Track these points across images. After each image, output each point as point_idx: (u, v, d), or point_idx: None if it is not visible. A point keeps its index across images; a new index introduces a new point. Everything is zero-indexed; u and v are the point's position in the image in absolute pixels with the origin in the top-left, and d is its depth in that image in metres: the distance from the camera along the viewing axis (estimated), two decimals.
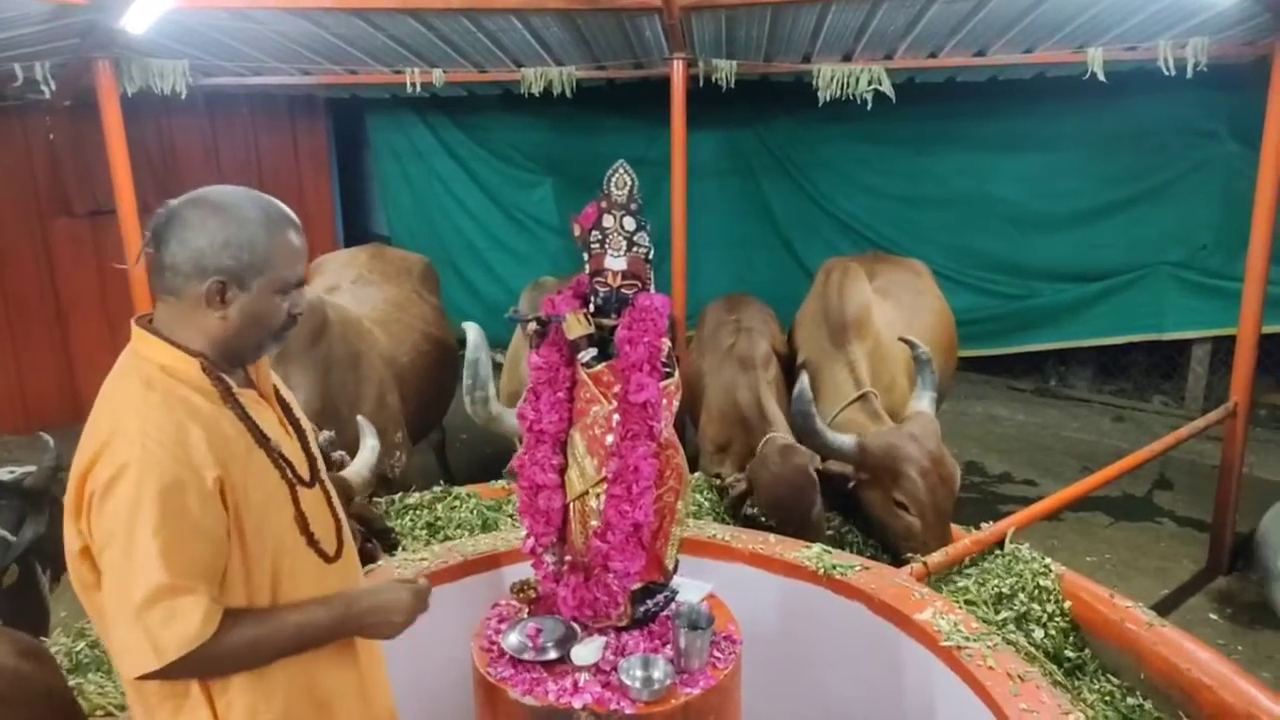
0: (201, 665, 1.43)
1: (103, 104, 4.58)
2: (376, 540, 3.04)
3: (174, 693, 1.47)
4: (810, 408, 3.38)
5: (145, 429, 1.39)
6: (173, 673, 1.41)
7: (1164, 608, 4.37)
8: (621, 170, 1.92)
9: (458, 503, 3.63)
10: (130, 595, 1.37)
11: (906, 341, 3.82)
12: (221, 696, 1.49)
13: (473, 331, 3.18)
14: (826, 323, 4.07)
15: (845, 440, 3.42)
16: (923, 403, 3.61)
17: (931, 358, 3.73)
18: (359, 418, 3.32)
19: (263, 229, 1.50)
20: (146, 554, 1.36)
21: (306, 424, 1.72)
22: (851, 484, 3.52)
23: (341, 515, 1.70)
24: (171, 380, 1.46)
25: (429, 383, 4.55)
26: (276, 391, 1.66)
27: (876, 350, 4.06)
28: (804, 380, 3.45)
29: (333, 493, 1.69)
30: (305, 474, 1.60)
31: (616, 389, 1.92)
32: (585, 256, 1.97)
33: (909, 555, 3.29)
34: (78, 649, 2.74)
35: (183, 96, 5.07)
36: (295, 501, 1.54)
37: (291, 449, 1.60)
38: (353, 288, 4.61)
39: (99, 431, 1.42)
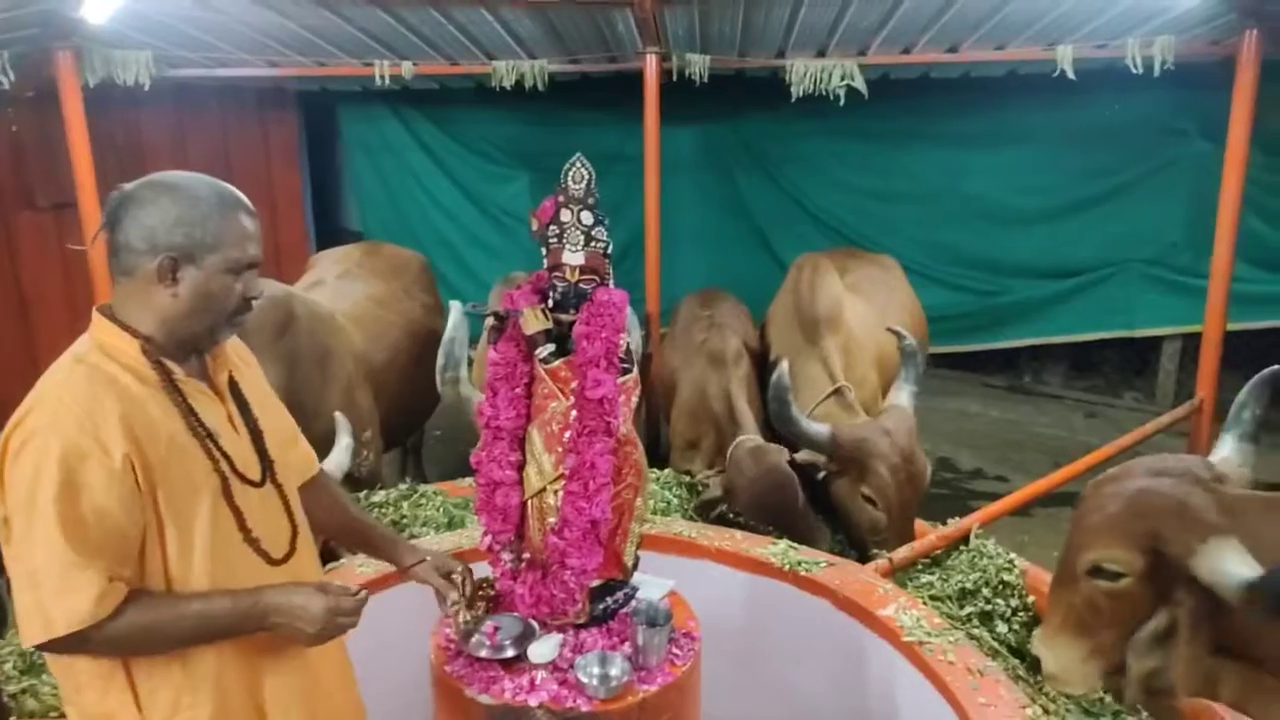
0: (94, 644, 1.41)
1: (64, 95, 4.51)
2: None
3: (101, 674, 1.46)
4: (787, 395, 3.38)
5: (60, 398, 1.41)
6: (63, 648, 1.40)
7: None
8: (579, 164, 1.90)
9: (424, 500, 3.60)
10: (29, 563, 1.38)
11: (894, 332, 3.82)
12: (145, 684, 1.47)
13: (454, 311, 3.13)
14: (799, 319, 4.07)
15: (819, 429, 3.42)
16: (901, 396, 3.60)
17: (917, 350, 3.73)
18: (336, 414, 3.28)
19: (215, 208, 1.51)
20: (46, 523, 1.36)
21: (278, 424, 1.71)
22: (821, 474, 3.51)
23: (300, 520, 1.67)
24: (104, 356, 1.48)
25: (409, 381, 4.48)
26: (236, 388, 1.64)
27: (849, 345, 4.06)
28: (783, 367, 3.43)
29: (292, 497, 1.67)
30: (253, 473, 1.58)
31: (574, 385, 1.91)
32: (543, 251, 1.95)
33: (875, 551, 3.30)
34: (30, 650, 2.69)
35: (146, 88, 4.99)
36: (228, 497, 1.52)
37: (237, 446, 1.57)
38: (336, 283, 4.54)
39: (24, 403, 1.44)
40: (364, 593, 1.62)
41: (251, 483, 1.56)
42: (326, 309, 4.06)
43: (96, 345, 1.49)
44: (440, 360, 3.09)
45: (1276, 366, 2.26)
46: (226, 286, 1.52)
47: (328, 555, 2.90)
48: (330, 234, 7.95)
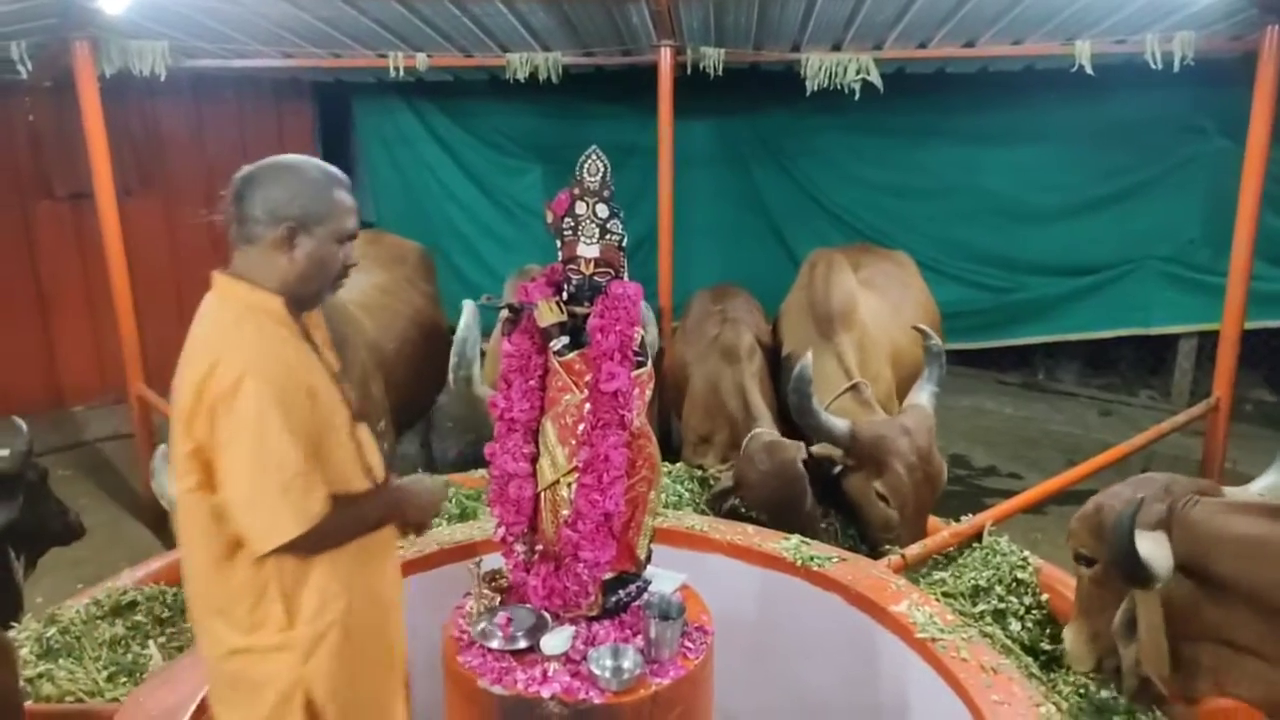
0: (314, 539, 1.68)
1: (80, 85, 4.53)
2: None
3: (255, 588, 1.70)
4: (809, 388, 3.37)
5: (249, 348, 1.66)
6: (299, 543, 1.66)
7: None
8: (594, 157, 1.90)
9: None
10: (274, 477, 1.63)
11: (920, 331, 3.81)
12: (292, 592, 1.72)
13: (466, 310, 3.14)
14: (813, 314, 4.05)
15: (840, 424, 3.41)
16: (922, 396, 3.58)
17: (942, 351, 3.71)
18: None
19: (325, 186, 1.77)
20: (280, 444, 1.63)
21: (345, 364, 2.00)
22: (837, 469, 3.51)
23: (382, 453, 1.94)
24: (260, 315, 1.72)
25: (416, 371, 4.51)
26: (312, 340, 1.87)
27: (863, 341, 4.04)
28: (806, 360, 3.43)
29: (370, 436, 1.92)
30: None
31: (588, 377, 1.90)
32: (558, 244, 1.95)
33: (887, 547, 3.29)
34: (49, 634, 2.72)
35: (163, 78, 5.01)
36: (352, 431, 1.81)
37: (326, 388, 1.80)
38: None
39: (205, 353, 1.66)
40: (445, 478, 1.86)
41: (356, 420, 1.84)
42: (340, 298, 4.07)
43: (246, 307, 1.72)
44: (453, 359, 3.10)
45: None
46: (333, 254, 1.77)
47: None
48: None
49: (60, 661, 2.63)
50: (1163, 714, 2.51)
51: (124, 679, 2.62)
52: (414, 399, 4.63)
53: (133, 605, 2.94)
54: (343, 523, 1.73)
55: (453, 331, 3.20)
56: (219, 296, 1.76)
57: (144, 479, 5.13)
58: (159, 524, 5.06)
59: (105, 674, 2.61)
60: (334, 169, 1.82)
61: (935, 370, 3.64)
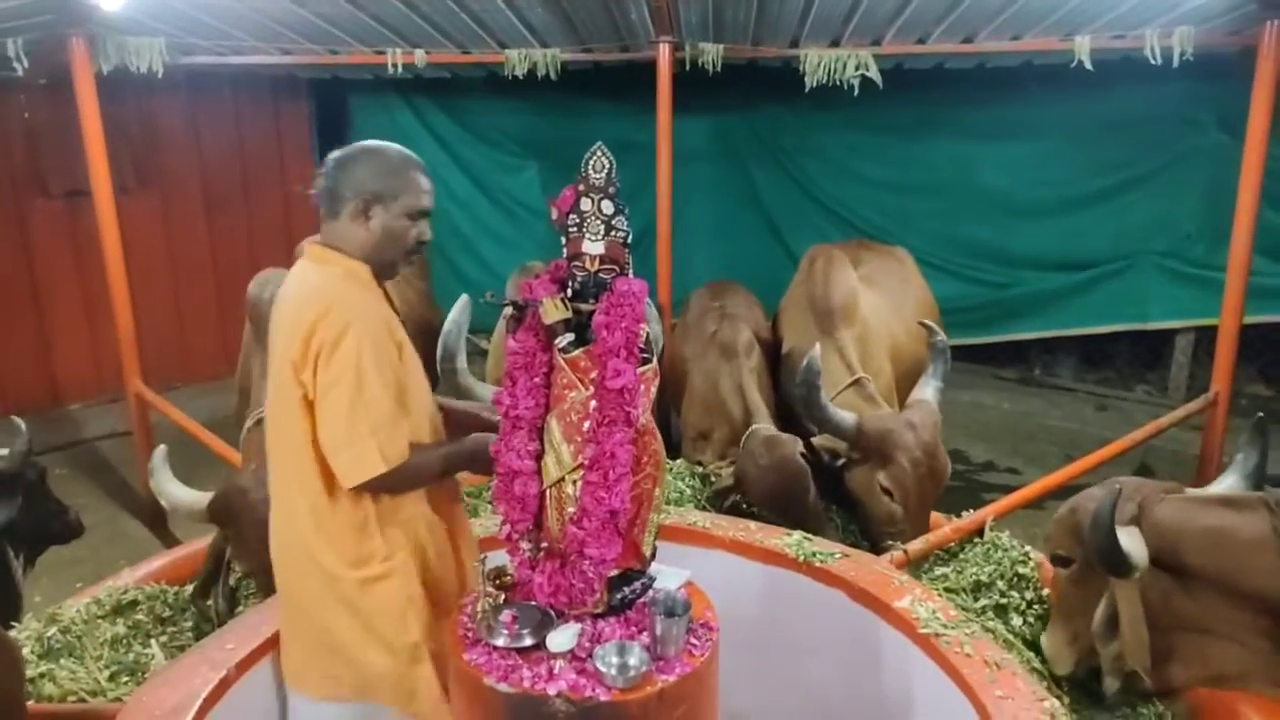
0: (397, 477, 1.93)
1: (77, 82, 4.51)
2: None
3: (357, 524, 1.97)
4: (817, 379, 3.37)
5: (352, 304, 1.91)
6: (383, 481, 1.91)
7: None
8: (599, 153, 1.89)
9: None
10: (369, 418, 1.87)
11: (926, 326, 3.82)
12: (388, 528, 2.01)
13: (458, 304, 3.14)
14: (813, 310, 4.05)
15: (846, 417, 3.42)
16: (927, 391, 3.59)
17: (947, 347, 3.72)
18: None
19: (400, 166, 2.01)
20: (374, 390, 1.87)
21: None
22: (841, 461, 3.51)
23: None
24: (355, 278, 1.98)
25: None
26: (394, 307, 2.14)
27: (863, 337, 4.04)
28: (814, 353, 3.43)
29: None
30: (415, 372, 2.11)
31: (594, 375, 1.90)
32: (563, 241, 1.94)
33: (889, 543, 3.29)
34: (49, 634, 2.72)
35: (160, 75, 4.99)
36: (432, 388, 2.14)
37: (388, 352, 2.01)
38: None
39: (314, 306, 1.89)
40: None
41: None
42: None
43: (343, 272, 1.97)
44: (439, 350, 3.10)
45: (1260, 415, 2.64)
46: (405, 227, 2.00)
47: None
48: None
49: (61, 661, 2.63)
50: (1165, 707, 2.52)
51: (126, 678, 2.62)
52: None
53: (134, 604, 2.94)
54: (423, 465, 1.99)
55: None
56: (315, 260, 2.01)
57: (142, 477, 5.12)
58: (157, 522, 5.05)
59: (107, 673, 2.61)
60: (412, 154, 2.05)
61: (940, 366, 3.64)
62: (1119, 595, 2.30)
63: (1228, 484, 2.60)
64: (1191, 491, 2.49)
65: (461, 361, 3.14)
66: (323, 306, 1.87)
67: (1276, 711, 2.25)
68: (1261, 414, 2.66)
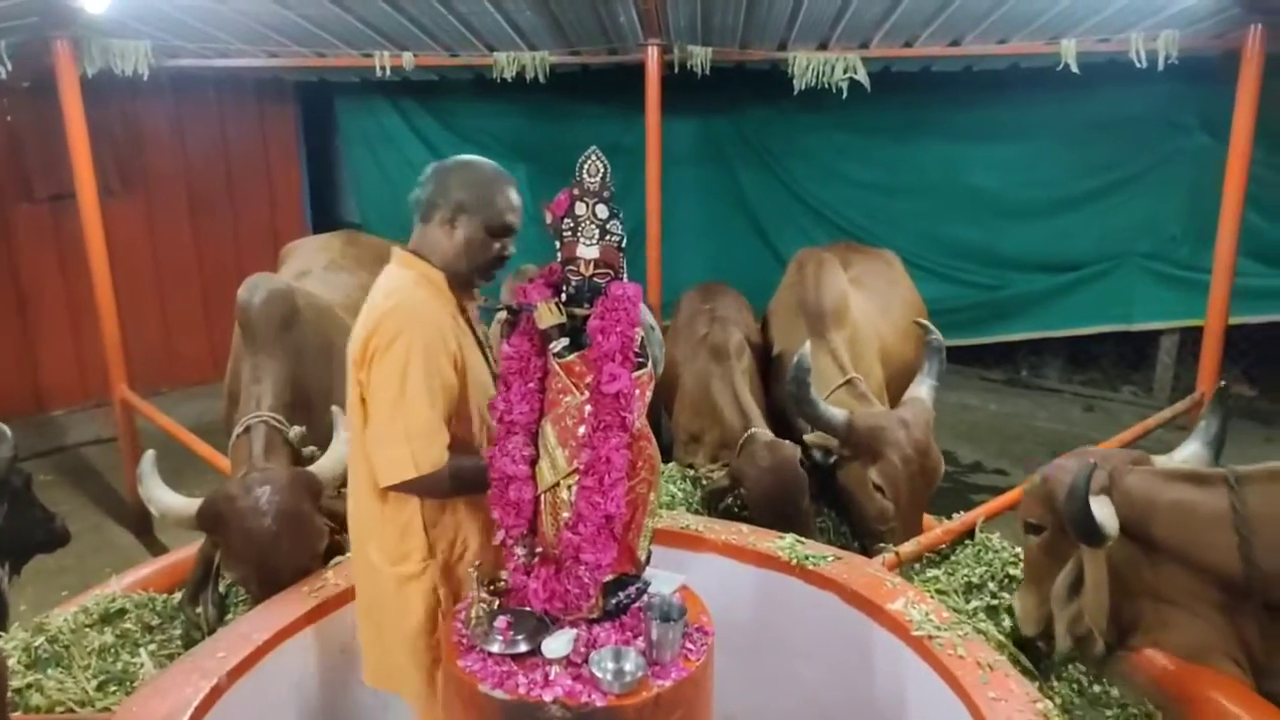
0: (428, 484, 1.98)
1: (61, 85, 4.47)
2: (345, 533, 3.00)
3: (401, 523, 2.06)
4: (808, 377, 3.39)
5: (413, 307, 1.97)
6: (414, 485, 1.97)
7: None
8: (594, 157, 1.88)
9: None
10: (406, 424, 1.93)
11: (921, 325, 3.83)
12: (431, 529, 2.08)
13: None
14: (804, 312, 4.06)
15: (837, 414, 3.43)
16: (921, 390, 3.61)
17: (942, 346, 3.73)
18: (334, 409, 3.26)
19: (489, 182, 2.06)
20: (417, 395, 1.93)
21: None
22: (833, 459, 3.51)
23: None
24: (426, 284, 2.06)
25: None
26: (472, 325, 2.19)
27: (854, 339, 4.06)
28: (805, 350, 3.45)
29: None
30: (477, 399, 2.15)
31: (589, 379, 1.89)
32: (557, 245, 1.93)
33: (881, 545, 3.30)
34: (36, 644, 2.68)
35: (145, 78, 4.95)
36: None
37: (478, 369, 2.12)
38: (324, 274, 4.50)
39: (380, 308, 1.98)
40: None
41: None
42: (325, 301, 4.04)
43: (418, 275, 2.06)
44: None
45: (1223, 384, 2.76)
46: (485, 241, 2.06)
47: (335, 550, 2.90)
48: (329, 227, 7.87)
49: (49, 671, 2.59)
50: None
51: (114, 688, 2.59)
52: None
53: (122, 613, 2.91)
54: (462, 474, 2.00)
55: None
56: (397, 264, 2.11)
57: (128, 483, 5.08)
58: (144, 529, 5.01)
59: (95, 683, 2.58)
60: (505, 172, 2.11)
61: (935, 365, 3.66)
62: (1087, 561, 2.40)
63: (1190, 451, 2.67)
64: (1158, 460, 2.56)
65: None
66: (386, 308, 1.96)
67: (1257, 707, 2.26)
68: (1224, 382, 2.77)
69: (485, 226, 2.04)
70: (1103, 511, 2.30)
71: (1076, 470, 2.32)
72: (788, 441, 3.54)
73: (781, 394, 3.79)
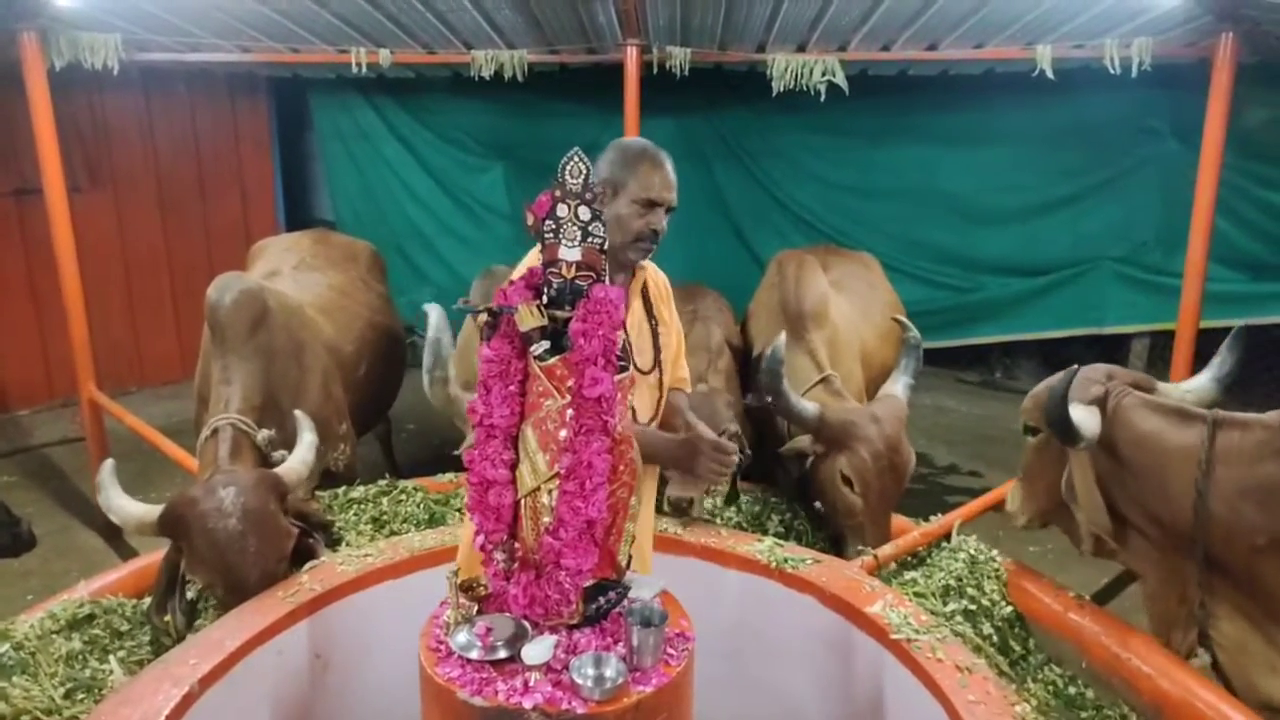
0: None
1: (28, 78, 4.38)
2: (318, 535, 2.96)
3: None
4: (780, 368, 3.39)
5: None
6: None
7: (1104, 596, 4.47)
8: (576, 159, 1.86)
9: (404, 496, 3.56)
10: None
11: (900, 323, 3.84)
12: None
13: (434, 312, 3.10)
14: (784, 313, 4.06)
15: (809, 407, 3.43)
16: (896, 386, 3.61)
17: (920, 343, 3.75)
18: (296, 412, 3.21)
19: (637, 159, 2.18)
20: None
21: (670, 341, 2.38)
22: (810, 458, 3.51)
23: (660, 402, 2.34)
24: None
25: (375, 372, 4.44)
26: (647, 299, 2.33)
27: (834, 340, 4.07)
28: (778, 342, 3.45)
29: (664, 387, 2.35)
30: (645, 363, 2.26)
31: (570, 382, 1.87)
32: (539, 247, 1.91)
33: (857, 549, 3.31)
34: (1, 651, 2.61)
35: (115, 72, 4.86)
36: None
37: (640, 340, 2.25)
38: (294, 274, 4.45)
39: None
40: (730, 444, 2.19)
41: (640, 370, 2.21)
42: (295, 301, 3.99)
43: None
44: (428, 360, 3.05)
45: (1243, 324, 2.83)
46: (634, 214, 2.16)
47: (306, 554, 2.86)
48: (302, 224, 7.81)
49: (14, 679, 2.52)
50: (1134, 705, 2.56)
51: (82, 695, 2.52)
52: (373, 400, 4.56)
53: (90, 618, 2.84)
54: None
55: (409, 331, 3.14)
56: None
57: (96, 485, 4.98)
58: (113, 533, 4.91)
59: (62, 691, 2.52)
60: (655, 149, 2.22)
61: (911, 362, 3.67)
62: (1073, 463, 2.59)
63: (1198, 383, 2.77)
64: (1162, 388, 2.70)
65: (452, 371, 3.10)
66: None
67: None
68: (1243, 324, 2.82)
69: (634, 200, 2.15)
70: (1083, 416, 2.46)
71: (1061, 377, 2.50)
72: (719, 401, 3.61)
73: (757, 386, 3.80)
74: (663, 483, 3.84)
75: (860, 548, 3.29)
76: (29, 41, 4.40)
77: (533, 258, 2.22)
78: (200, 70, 6.54)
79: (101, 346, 5.28)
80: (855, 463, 3.35)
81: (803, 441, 3.55)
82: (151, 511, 2.74)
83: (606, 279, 1.92)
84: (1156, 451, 2.44)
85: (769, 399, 3.47)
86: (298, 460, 2.99)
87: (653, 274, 2.39)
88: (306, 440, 3.08)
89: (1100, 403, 2.52)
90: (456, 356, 4.47)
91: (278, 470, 2.91)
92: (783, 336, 3.52)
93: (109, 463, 2.87)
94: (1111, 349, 7.41)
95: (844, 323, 4.18)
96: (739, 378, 4.25)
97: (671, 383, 2.41)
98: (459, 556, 2.31)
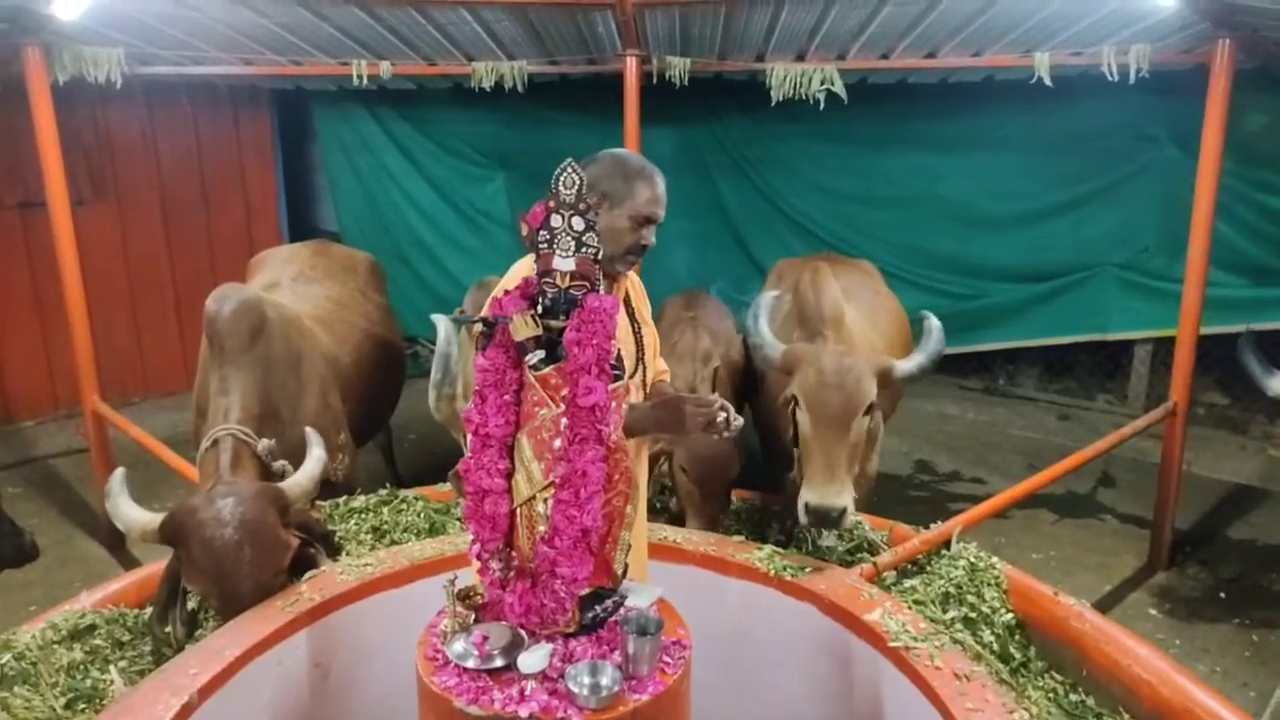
0: None
1: (32, 93, 4.41)
2: (319, 545, 2.97)
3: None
4: (760, 310, 3.46)
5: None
6: None
7: (1106, 603, 4.46)
8: (570, 169, 1.88)
9: (404, 506, 3.56)
10: None
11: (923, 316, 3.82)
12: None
13: (442, 325, 3.10)
14: (799, 318, 4.03)
15: (776, 344, 3.45)
16: (905, 361, 3.51)
17: (938, 329, 3.69)
18: (307, 429, 3.22)
19: (632, 175, 2.21)
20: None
21: (649, 341, 2.42)
22: (791, 408, 3.47)
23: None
24: None
25: (374, 383, 4.45)
26: (629, 305, 2.35)
27: (849, 345, 4.05)
28: (771, 293, 3.51)
29: (647, 383, 2.41)
30: (630, 365, 2.23)
31: (564, 392, 1.88)
32: (534, 257, 1.93)
33: (857, 553, 3.29)
34: (3, 661, 2.63)
35: (118, 86, 4.90)
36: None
37: (625, 344, 2.19)
38: (293, 285, 4.47)
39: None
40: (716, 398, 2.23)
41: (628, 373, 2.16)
42: (294, 312, 4.01)
43: None
44: (436, 374, 3.03)
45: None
46: (625, 228, 2.19)
47: (307, 564, 2.86)
48: (305, 235, 7.82)
49: (16, 689, 2.54)
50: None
51: (83, 705, 2.54)
52: (372, 410, 4.57)
53: (91, 629, 2.85)
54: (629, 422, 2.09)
55: (408, 341, 3.13)
56: None
57: (99, 496, 5.00)
58: (116, 543, 4.93)
59: (63, 701, 2.53)
60: (648, 165, 2.26)
61: (930, 344, 3.55)
62: None
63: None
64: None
65: (460, 386, 3.09)
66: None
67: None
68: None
69: (626, 214, 2.19)
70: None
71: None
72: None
73: (772, 408, 3.78)
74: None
75: (857, 554, 3.27)
76: (33, 56, 4.43)
77: (522, 266, 2.23)
78: (203, 83, 6.58)
79: (105, 357, 5.30)
80: (800, 380, 3.28)
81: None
82: (154, 519, 2.75)
83: (601, 288, 1.93)
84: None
85: (748, 336, 3.54)
86: (304, 475, 2.99)
87: (632, 282, 2.43)
88: (315, 455, 3.09)
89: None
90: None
91: (282, 484, 2.92)
92: (773, 292, 3.61)
93: (120, 471, 2.89)
94: (1114, 355, 7.41)
95: (856, 329, 4.17)
96: (742, 383, 4.26)
97: (654, 377, 2.48)
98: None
